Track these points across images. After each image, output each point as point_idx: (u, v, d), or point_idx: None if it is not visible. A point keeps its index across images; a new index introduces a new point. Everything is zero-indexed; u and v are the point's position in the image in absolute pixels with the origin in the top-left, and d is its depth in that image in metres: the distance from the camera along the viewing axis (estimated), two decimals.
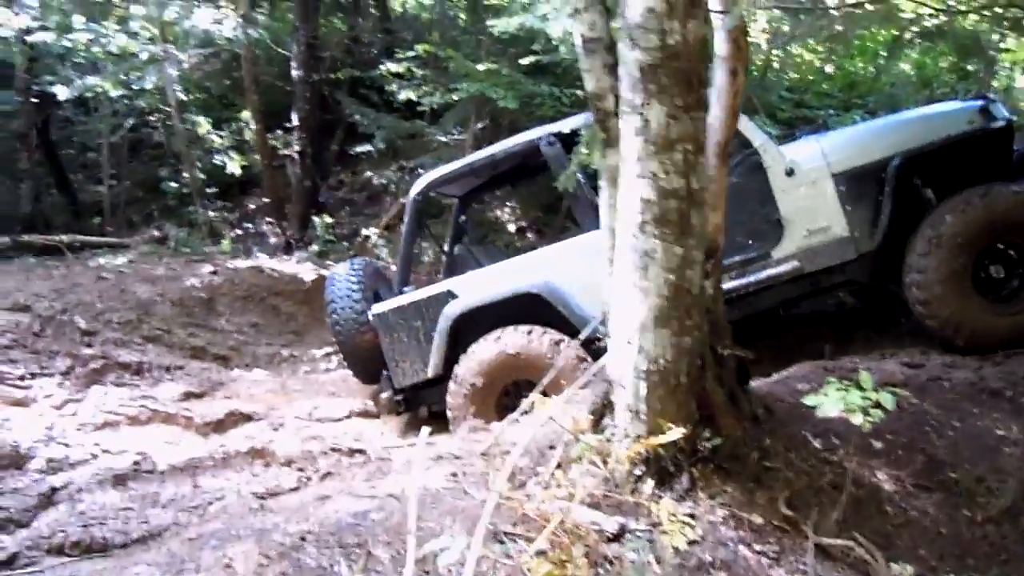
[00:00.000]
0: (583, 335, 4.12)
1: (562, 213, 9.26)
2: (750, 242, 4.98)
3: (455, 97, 8.52)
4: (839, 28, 5.40)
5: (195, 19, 8.32)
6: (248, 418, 5.60)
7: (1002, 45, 8.85)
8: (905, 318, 5.26)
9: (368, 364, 5.82)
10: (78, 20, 9.22)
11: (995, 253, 4.75)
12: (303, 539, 2.79)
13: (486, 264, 5.52)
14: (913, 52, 8.62)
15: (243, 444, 4.80)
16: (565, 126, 5.24)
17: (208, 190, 11.80)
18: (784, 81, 10.73)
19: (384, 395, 5.59)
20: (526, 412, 3.82)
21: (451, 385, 5.08)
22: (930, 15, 5.59)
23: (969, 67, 10.30)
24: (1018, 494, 3.29)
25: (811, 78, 11.26)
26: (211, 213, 11.53)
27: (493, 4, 10.29)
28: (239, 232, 11.75)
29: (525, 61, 7.88)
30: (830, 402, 2.80)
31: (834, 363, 4.43)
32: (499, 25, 6.50)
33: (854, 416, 2.72)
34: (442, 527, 2.95)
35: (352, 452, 4.52)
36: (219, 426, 5.47)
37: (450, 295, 5.26)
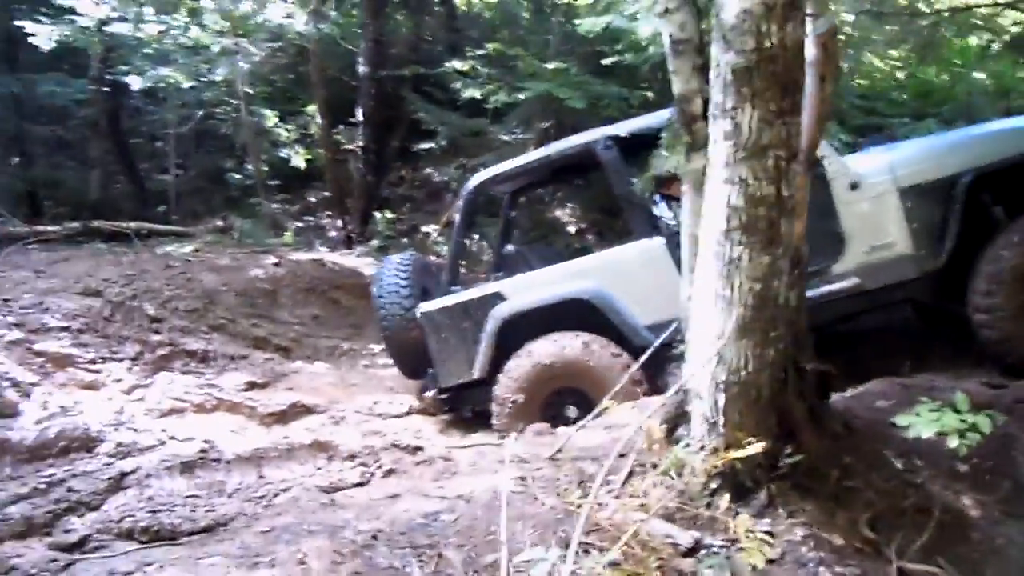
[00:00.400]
0: (655, 345, 4.01)
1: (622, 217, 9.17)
2: (810, 256, 4.81)
3: (521, 96, 8.47)
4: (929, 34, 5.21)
5: (268, 13, 8.41)
6: (310, 410, 5.63)
7: None
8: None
9: (413, 360, 5.77)
10: (150, 12, 9.45)
11: None
12: (375, 537, 2.78)
13: (537, 266, 5.43)
14: (992, 62, 8.30)
15: (306, 436, 4.80)
16: (622, 129, 5.14)
17: (271, 182, 11.97)
18: (855, 87, 10.48)
19: (428, 393, 5.57)
20: (596, 416, 3.79)
21: (496, 388, 5.02)
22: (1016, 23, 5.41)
23: None
24: None
25: (883, 85, 10.98)
26: (274, 205, 11.69)
27: (561, 4, 10.20)
28: (300, 225, 11.90)
29: (607, 61, 7.75)
30: (923, 423, 2.70)
31: (911, 380, 4.26)
32: (585, 24, 6.42)
33: (951, 439, 2.60)
34: (512, 532, 2.91)
35: (414, 450, 4.49)
36: (281, 417, 5.51)
37: (499, 297, 5.19)
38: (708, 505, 3.00)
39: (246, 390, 5.89)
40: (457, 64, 9.83)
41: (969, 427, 2.62)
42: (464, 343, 5.27)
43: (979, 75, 10.94)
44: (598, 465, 3.40)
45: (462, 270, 8.07)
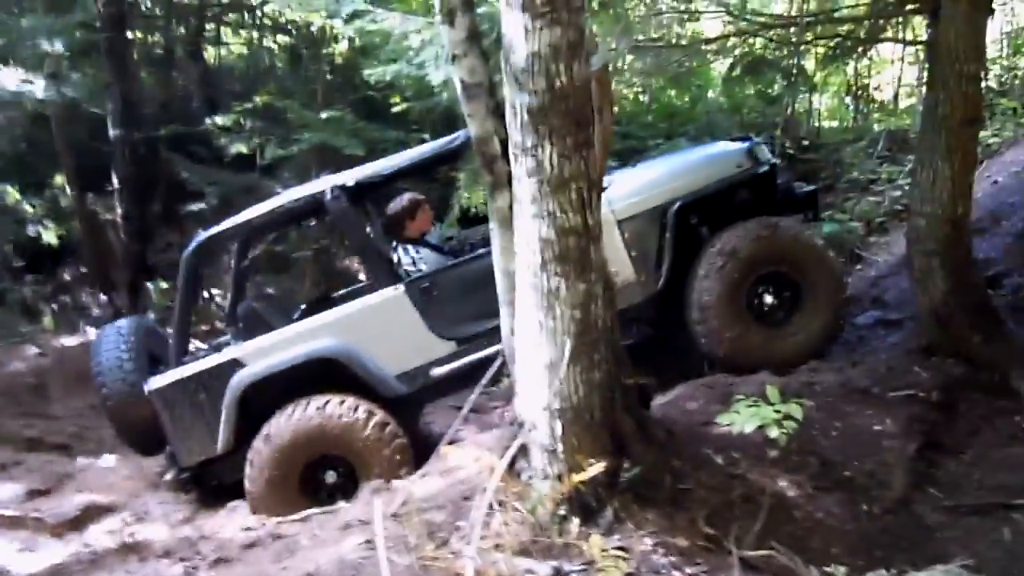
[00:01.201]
0: (484, 379, 4.02)
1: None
2: None
3: (295, 149, 8.27)
4: (687, 64, 5.73)
5: (1, 79, 7.63)
6: (109, 510, 5.07)
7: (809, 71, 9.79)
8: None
9: (144, 436, 5.29)
10: None
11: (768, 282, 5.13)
12: None
13: (276, 323, 5.18)
14: (727, 84, 9.28)
15: (109, 540, 4.35)
16: (350, 178, 5.08)
17: (16, 264, 10.79)
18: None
19: (169, 475, 5.22)
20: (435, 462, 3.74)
21: (248, 466, 4.76)
22: (756, 47, 6.12)
23: (773, 93, 11.25)
24: (904, 483, 3.55)
25: (633, 110, 11.85)
26: (24, 289, 10.54)
27: (325, 53, 10.12)
28: (57, 307, 10.81)
29: (396, 110, 7.76)
30: (743, 419, 2.91)
31: (711, 380, 4.60)
32: (375, 74, 6.40)
33: (770, 430, 2.83)
34: None
35: (241, 530, 4.19)
36: (76, 523, 4.89)
37: (236, 364, 4.88)
38: (560, 532, 3.05)
39: (27, 500, 5.23)
40: (219, 119, 9.43)
41: (784, 416, 2.86)
42: (202, 418, 4.90)
43: (712, 95, 12.16)
44: (444, 513, 3.36)
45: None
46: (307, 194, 5.11)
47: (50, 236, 9.88)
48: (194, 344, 6.29)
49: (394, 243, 5.35)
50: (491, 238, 3.46)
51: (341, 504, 4.19)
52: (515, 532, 3.03)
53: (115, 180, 10.26)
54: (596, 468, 3.02)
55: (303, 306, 6.05)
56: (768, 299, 5.12)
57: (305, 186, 5.40)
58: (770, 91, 10.65)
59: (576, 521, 3.06)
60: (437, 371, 4.93)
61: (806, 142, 10.74)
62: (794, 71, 8.94)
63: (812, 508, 3.33)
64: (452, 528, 3.22)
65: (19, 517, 4.93)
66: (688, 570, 2.91)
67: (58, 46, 8.27)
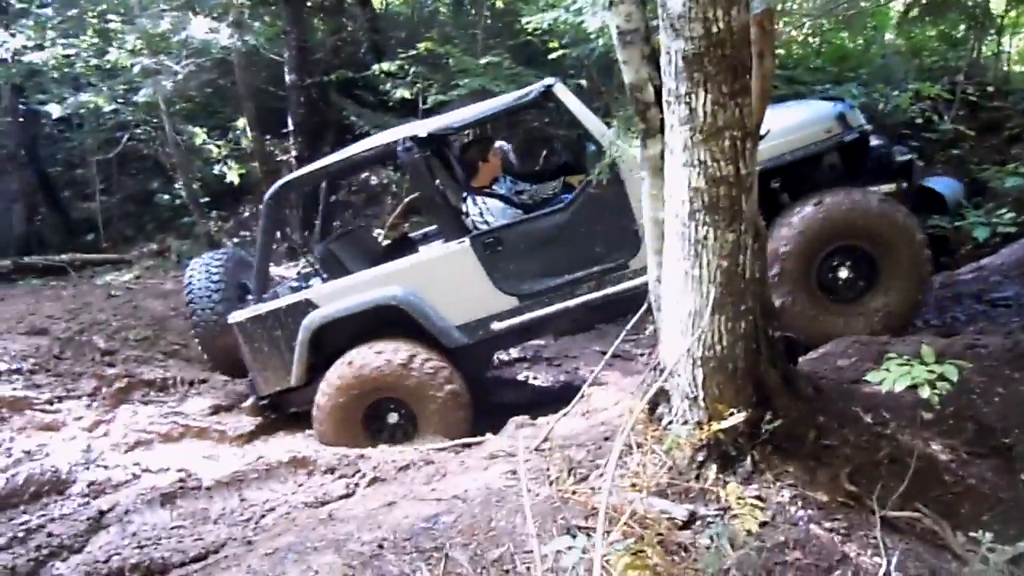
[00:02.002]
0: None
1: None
2: (608, 252, 4.99)
3: (455, 93, 8.49)
4: (863, 3, 5.41)
5: (191, 29, 8.24)
6: (280, 428, 5.59)
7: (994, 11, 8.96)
8: None
9: (230, 362, 5.73)
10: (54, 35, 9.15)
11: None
12: (380, 547, 2.81)
13: (351, 266, 5.41)
14: (906, 25, 8.64)
15: (282, 454, 4.78)
16: (422, 129, 5.18)
17: (202, 200, 11.74)
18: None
19: (248, 401, 5.53)
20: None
21: (317, 398, 5.08)
22: None
23: (956, 35, 10.39)
24: None
25: (801, 53, 11.28)
26: (209, 223, 11.46)
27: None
28: (237, 241, 11.69)
29: (553, 56, 7.81)
30: (895, 377, 2.83)
31: (867, 339, 4.45)
32: (533, 21, 6.49)
33: (922, 390, 2.75)
34: (513, 525, 2.97)
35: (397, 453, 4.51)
36: (252, 437, 5.46)
37: (310, 304, 5.16)
38: (697, 477, 3.10)
39: (212, 414, 5.81)
40: (385, 65, 9.79)
41: (938, 377, 2.76)
42: (278, 352, 5.23)
43: (890, 37, 11.36)
44: (584, 451, 3.49)
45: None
46: (381, 143, 5.26)
47: (232, 175, 10.65)
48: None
49: (463, 194, 5.40)
50: (642, 187, 3.46)
51: (489, 436, 4.40)
52: (652, 474, 3.11)
53: (290, 123, 10.88)
54: (737, 417, 3.04)
55: (384, 247, 6.28)
56: (843, 273, 4.93)
57: (380, 135, 5.55)
58: (953, 33, 9.84)
59: (713, 468, 3.11)
60: (497, 325, 5.05)
61: (992, 88, 9.88)
62: (979, 11, 8.20)
63: (964, 473, 3.21)
64: (591, 466, 3.35)
65: (204, 429, 5.51)
66: (827, 525, 2.90)
67: None
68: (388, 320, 5.07)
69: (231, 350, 5.57)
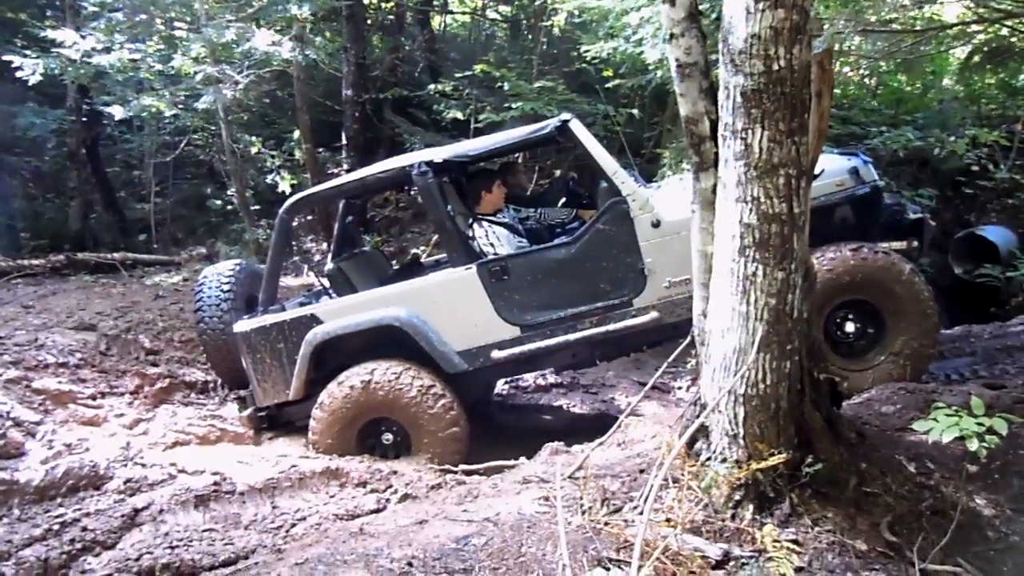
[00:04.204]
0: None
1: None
2: (614, 289, 4.96)
3: (507, 116, 8.57)
4: (921, 49, 5.37)
5: (255, 41, 8.44)
6: None
7: None
8: None
9: (233, 371, 5.73)
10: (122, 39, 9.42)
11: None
12: (410, 564, 2.81)
13: (359, 285, 5.44)
14: (966, 71, 8.52)
15: (316, 464, 4.81)
16: (438, 155, 5.19)
17: (253, 207, 11.95)
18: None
19: (247, 411, 5.52)
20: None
21: (315, 412, 5.10)
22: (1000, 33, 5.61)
23: (1016, 83, 10.23)
24: None
25: (856, 93, 11.19)
26: (258, 231, 11.65)
27: (543, 25, 10.34)
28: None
29: (609, 85, 7.88)
30: (942, 427, 2.77)
31: (914, 386, 4.38)
32: (592, 50, 6.55)
33: (970, 443, 2.68)
34: (543, 553, 2.95)
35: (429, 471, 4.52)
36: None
37: (314, 319, 5.18)
38: (733, 517, 3.06)
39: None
40: (440, 86, 9.92)
41: (987, 430, 2.70)
42: (280, 364, 5.26)
43: (948, 82, 11.21)
44: (619, 482, 3.46)
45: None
46: (397, 166, 5.29)
47: (284, 185, 10.83)
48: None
49: (471, 220, 5.41)
50: (691, 219, 3.44)
51: (523, 460, 4.39)
52: (687, 510, 3.07)
53: (343, 137, 11.06)
54: (778, 458, 2.99)
55: (394, 269, 6.33)
56: (849, 327, 4.92)
57: (398, 158, 5.58)
58: (1013, 82, 9.69)
59: (751, 508, 3.06)
60: (498, 353, 5.03)
61: None
62: None
63: (1007, 530, 3.12)
64: (626, 497, 3.32)
65: (240, 434, 5.57)
66: (864, 574, 2.84)
67: (305, 10, 8.99)
68: (390, 341, 5.10)
69: (235, 360, 5.62)
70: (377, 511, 4.16)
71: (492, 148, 5.28)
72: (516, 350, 5.03)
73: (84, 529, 4.09)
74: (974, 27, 5.31)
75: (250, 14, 9.26)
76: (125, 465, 4.82)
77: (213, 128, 11.51)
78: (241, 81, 9.11)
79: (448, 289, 5.08)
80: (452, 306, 5.05)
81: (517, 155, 6.65)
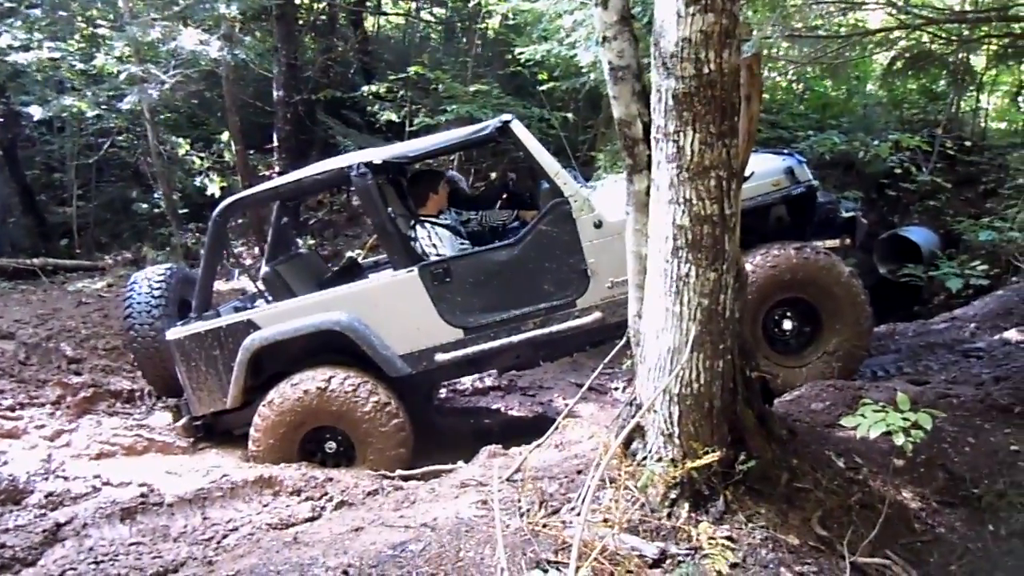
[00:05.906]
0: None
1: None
2: (557, 291, 4.99)
3: (442, 118, 8.53)
4: (846, 55, 5.52)
5: (181, 40, 8.22)
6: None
7: (977, 69, 9.18)
8: None
9: (165, 379, 5.58)
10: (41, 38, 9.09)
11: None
12: (346, 573, 2.77)
13: (296, 289, 5.33)
14: (888, 77, 8.84)
15: (249, 473, 4.68)
16: (376, 156, 5.14)
17: (180, 211, 11.64)
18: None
19: (182, 420, 5.41)
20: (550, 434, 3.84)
21: (252, 428, 5.00)
22: (922, 40, 5.82)
23: (936, 89, 10.62)
24: None
25: (783, 99, 11.47)
26: (185, 235, 11.37)
27: (477, 28, 10.33)
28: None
29: (543, 88, 7.90)
30: (869, 423, 2.84)
31: (841, 383, 4.48)
32: (527, 53, 6.54)
33: (896, 437, 2.76)
34: (481, 556, 2.93)
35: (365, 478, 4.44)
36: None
37: (251, 325, 5.06)
38: (669, 515, 3.08)
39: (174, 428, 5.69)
40: (373, 87, 9.83)
41: (912, 425, 2.78)
42: (216, 372, 5.13)
43: (872, 88, 11.60)
44: (557, 484, 3.46)
45: None
46: (335, 167, 5.21)
47: (214, 188, 10.58)
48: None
49: (412, 222, 5.37)
50: (626, 220, 3.47)
51: (460, 464, 4.36)
52: (624, 510, 3.08)
53: (275, 139, 10.87)
54: (712, 456, 3.03)
55: (333, 272, 6.19)
56: (787, 325, 5.04)
57: (336, 159, 5.51)
58: (934, 87, 10.08)
59: (686, 506, 3.09)
60: (441, 356, 4.99)
61: (969, 143, 10.11)
62: (961, 68, 8.41)
63: (933, 522, 3.23)
64: (563, 499, 3.32)
65: (169, 444, 5.41)
66: (797, 568, 2.89)
67: (233, 9, 8.80)
68: (331, 346, 5.01)
69: (167, 367, 5.43)
70: (312, 519, 4.07)
71: (432, 149, 5.24)
72: (460, 352, 4.98)
73: (2, 546, 3.90)
74: (896, 33, 5.49)
75: (176, 12, 9.01)
76: (46, 478, 4.63)
77: (139, 129, 11.19)
78: (167, 81, 8.86)
79: (390, 292, 5.01)
80: (394, 309, 4.97)
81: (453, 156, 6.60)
